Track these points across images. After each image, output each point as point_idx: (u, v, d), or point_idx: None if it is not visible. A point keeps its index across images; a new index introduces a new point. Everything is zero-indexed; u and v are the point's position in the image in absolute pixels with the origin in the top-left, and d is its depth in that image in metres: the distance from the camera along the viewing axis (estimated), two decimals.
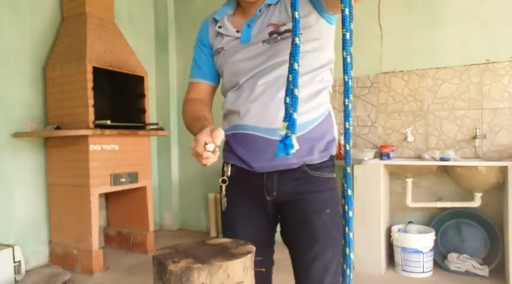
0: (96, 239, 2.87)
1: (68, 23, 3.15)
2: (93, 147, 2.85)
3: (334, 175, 1.13)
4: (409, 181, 2.93)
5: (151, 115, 4.08)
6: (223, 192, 1.16)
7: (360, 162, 2.79)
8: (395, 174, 3.03)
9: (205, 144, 0.88)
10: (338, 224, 1.03)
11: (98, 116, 2.88)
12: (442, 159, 2.69)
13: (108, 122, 2.88)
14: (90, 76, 2.84)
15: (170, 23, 4.28)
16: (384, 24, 3.11)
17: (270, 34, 1.04)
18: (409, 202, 2.94)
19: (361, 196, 2.76)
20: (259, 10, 1.07)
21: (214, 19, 1.17)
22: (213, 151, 0.89)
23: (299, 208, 1.09)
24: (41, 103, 3.12)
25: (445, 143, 2.97)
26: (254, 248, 1.02)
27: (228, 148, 1.17)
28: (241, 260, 0.92)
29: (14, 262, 2.65)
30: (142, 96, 3.37)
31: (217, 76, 1.22)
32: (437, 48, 2.98)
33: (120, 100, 3.24)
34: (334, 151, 1.13)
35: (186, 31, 4.26)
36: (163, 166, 4.28)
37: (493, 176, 2.60)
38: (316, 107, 1.08)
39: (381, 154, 2.92)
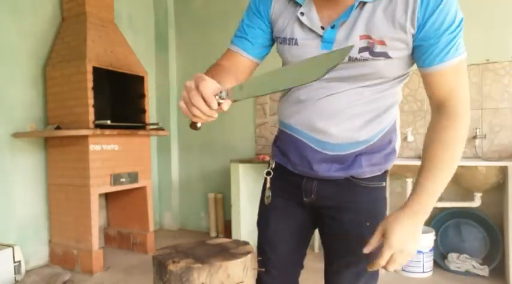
0: (96, 239, 2.87)
1: (68, 23, 3.15)
2: (93, 147, 2.85)
3: (384, 184, 1.04)
4: (409, 181, 2.93)
5: (151, 115, 4.08)
6: (268, 184, 1.11)
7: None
8: (395, 174, 3.03)
9: (220, 92, 0.71)
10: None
11: (98, 116, 2.88)
12: None
13: (108, 122, 2.88)
14: (90, 76, 2.84)
15: (170, 23, 4.28)
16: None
17: (361, 50, 0.85)
18: None
19: None
20: (351, 9, 0.85)
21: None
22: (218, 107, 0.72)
23: (339, 217, 1.03)
24: (41, 103, 3.12)
25: None
26: (254, 248, 1.01)
27: (276, 143, 1.11)
28: (241, 260, 0.92)
29: (14, 262, 2.65)
30: (142, 96, 3.37)
31: (263, 53, 1.04)
32: None
33: (120, 100, 3.24)
34: (390, 165, 1.03)
35: (186, 31, 4.26)
36: (163, 166, 4.28)
37: (493, 176, 2.60)
38: (381, 122, 0.97)
39: None
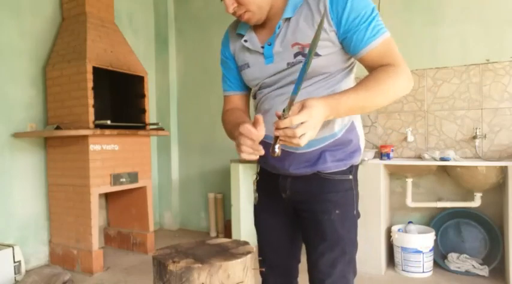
0: (96, 239, 2.87)
1: (68, 23, 3.15)
2: (93, 147, 2.85)
3: (350, 177, 1.14)
4: (409, 181, 2.93)
5: (151, 115, 4.09)
6: (255, 187, 1.27)
7: (360, 162, 2.78)
8: (395, 174, 3.03)
9: (276, 142, 0.86)
10: (348, 225, 1.13)
11: (98, 116, 2.88)
12: (442, 159, 2.69)
13: (108, 122, 2.88)
14: (90, 76, 2.84)
15: (170, 23, 4.28)
16: (384, 24, 3.11)
17: (295, 55, 1.03)
18: (409, 202, 2.94)
19: (361, 196, 2.74)
20: (278, 27, 1.05)
21: (238, 34, 1.15)
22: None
23: (310, 208, 1.14)
24: (41, 103, 3.12)
25: (445, 143, 2.97)
26: (254, 248, 1.02)
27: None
28: (241, 260, 0.92)
29: (14, 262, 2.65)
30: (142, 96, 3.37)
31: (246, 85, 1.24)
32: (437, 48, 2.99)
33: (120, 100, 3.24)
34: (356, 161, 1.15)
35: (186, 31, 4.26)
36: (163, 166, 4.28)
37: (493, 176, 2.60)
38: (336, 121, 1.08)
39: (381, 154, 2.92)
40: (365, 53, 0.99)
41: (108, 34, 3.18)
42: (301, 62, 1.01)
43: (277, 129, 0.84)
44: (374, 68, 1.00)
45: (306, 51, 0.99)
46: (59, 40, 3.14)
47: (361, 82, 0.95)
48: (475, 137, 2.83)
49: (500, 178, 2.59)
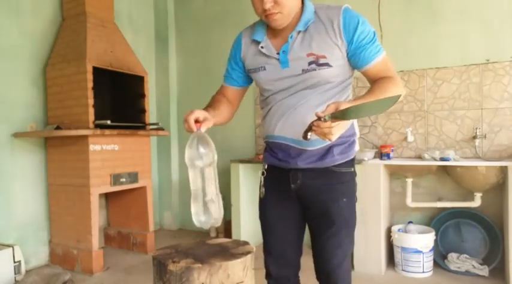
0: (96, 239, 2.87)
1: (68, 23, 3.15)
2: (93, 147, 2.85)
3: (352, 169, 1.33)
4: (409, 181, 2.93)
5: (152, 115, 4.08)
6: (262, 182, 1.39)
7: (360, 162, 2.78)
8: (395, 174, 3.03)
9: (309, 130, 1.05)
10: (352, 210, 1.32)
11: (98, 116, 2.88)
12: (442, 159, 2.69)
13: (108, 122, 2.88)
14: (90, 76, 2.84)
15: (170, 23, 4.27)
16: (383, 24, 3.11)
17: (309, 64, 1.19)
18: (409, 202, 2.94)
19: (361, 196, 2.73)
20: (291, 37, 1.22)
21: (253, 40, 1.30)
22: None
23: (320, 198, 1.29)
24: (41, 103, 3.12)
25: (445, 143, 2.97)
26: (254, 248, 1.01)
27: (266, 151, 1.40)
28: (241, 260, 0.92)
29: (14, 262, 2.65)
30: (142, 96, 3.37)
31: (246, 82, 1.41)
32: (437, 48, 2.98)
33: (120, 100, 3.24)
34: (353, 153, 1.33)
35: (186, 31, 4.26)
36: (163, 166, 4.28)
37: (493, 176, 2.60)
38: None
39: (381, 154, 2.92)
40: (370, 66, 1.21)
41: (108, 34, 3.18)
42: (315, 69, 1.19)
43: (316, 126, 1.02)
44: (375, 79, 1.21)
45: (320, 61, 1.18)
46: (59, 40, 3.14)
47: (371, 90, 1.15)
48: (475, 137, 2.83)
49: (500, 178, 2.59)
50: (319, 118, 1.01)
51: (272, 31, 1.27)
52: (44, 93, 3.12)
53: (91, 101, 2.84)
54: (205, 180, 1.13)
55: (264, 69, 1.27)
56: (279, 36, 1.26)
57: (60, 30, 3.19)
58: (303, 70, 1.20)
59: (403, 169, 2.90)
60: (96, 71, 2.89)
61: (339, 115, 0.99)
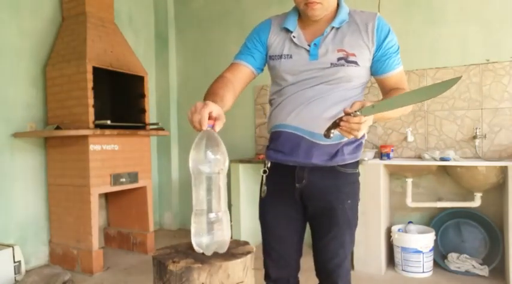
0: (96, 239, 2.87)
1: (68, 23, 3.15)
2: (93, 147, 2.85)
3: (358, 171, 1.35)
4: (409, 181, 2.93)
5: (152, 115, 4.08)
6: (264, 181, 1.36)
7: (360, 162, 2.79)
8: (395, 174, 3.03)
9: (334, 128, 1.05)
10: (355, 211, 1.32)
11: (98, 116, 2.88)
12: (442, 159, 2.69)
13: (108, 122, 2.88)
14: (90, 76, 2.84)
15: (170, 23, 4.27)
16: None
17: (339, 59, 1.22)
18: (409, 202, 2.94)
19: (362, 196, 2.73)
20: (325, 32, 1.24)
21: (285, 28, 1.29)
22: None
23: (326, 198, 1.28)
24: (41, 103, 3.12)
25: (445, 143, 2.97)
26: (254, 248, 1.01)
27: (270, 146, 1.36)
28: (241, 260, 0.92)
29: (14, 262, 2.65)
30: (142, 96, 3.37)
31: (260, 67, 1.36)
32: (437, 48, 2.99)
33: (120, 100, 3.24)
34: (361, 154, 1.35)
35: (186, 31, 4.26)
36: (163, 166, 4.28)
37: (493, 176, 2.60)
38: None
39: (381, 154, 2.92)
40: (390, 75, 1.27)
41: (108, 34, 3.18)
42: (343, 65, 1.21)
43: (345, 121, 1.02)
44: (390, 88, 1.28)
45: (349, 58, 1.22)
46: (59, 40, 3.14)
47: (390, 94, 1.24)
48: (475, 137, 2.83)
49: (500, 178, 2.59)
50: (347, 114, 1.02)
51: (304, 23, 1.28)
52: (44, 93, 3.12)
53: (91, 101, 2.84)
54: (212, 192, 0.91)
55: (291, 57, 1.27)
56: (311, 28, 1.27)
57: (60, 30, 3.19)
58: (331, 64, 1.22)
59: (403, 169, 2.90)
60: (96, 71, 2.89)
61: (367, 111, 1.01)
